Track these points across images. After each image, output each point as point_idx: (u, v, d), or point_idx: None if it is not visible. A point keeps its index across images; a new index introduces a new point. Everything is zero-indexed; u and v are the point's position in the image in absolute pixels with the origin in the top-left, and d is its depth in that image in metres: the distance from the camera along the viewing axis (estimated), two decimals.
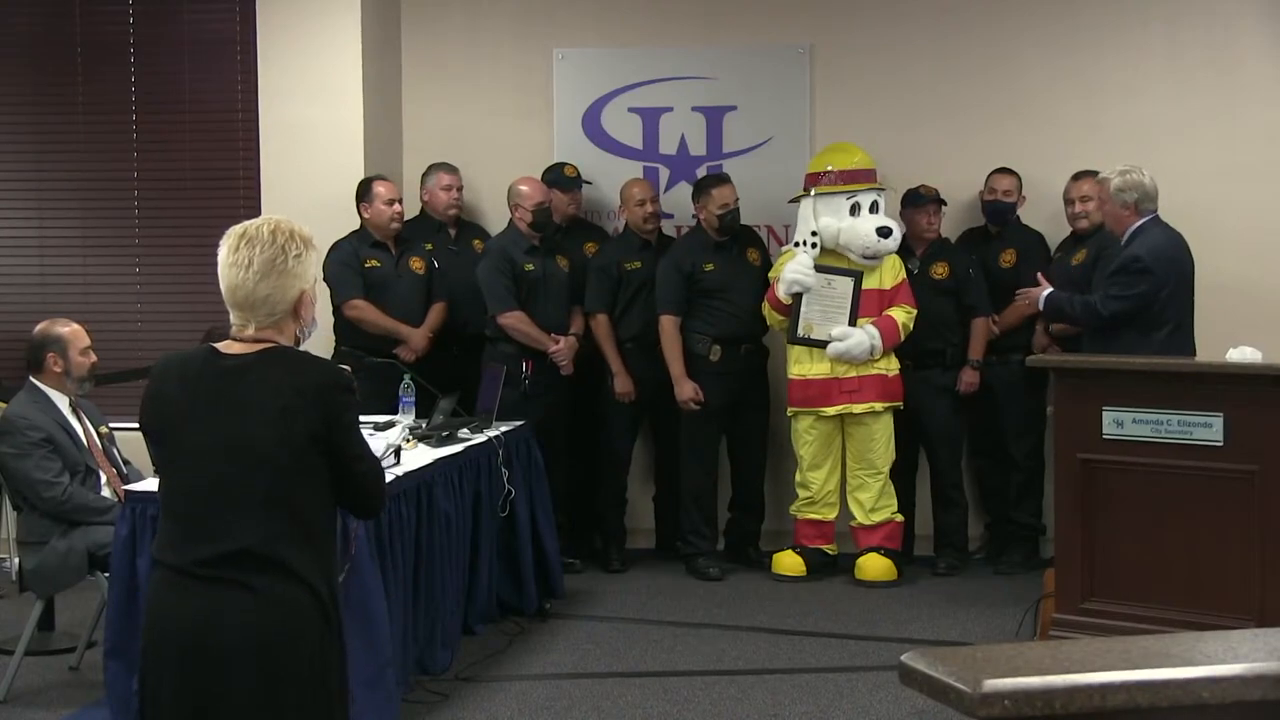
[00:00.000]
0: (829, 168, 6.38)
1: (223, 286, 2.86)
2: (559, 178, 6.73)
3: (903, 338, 6.33)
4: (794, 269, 6.33)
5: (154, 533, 4.07)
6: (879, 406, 6.33)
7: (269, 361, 2.83)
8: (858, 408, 6.32)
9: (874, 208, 6.33)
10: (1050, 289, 5.77)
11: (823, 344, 6.31)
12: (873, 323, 6.27)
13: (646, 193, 6.75)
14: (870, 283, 6.33)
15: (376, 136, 6.88)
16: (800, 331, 6.36)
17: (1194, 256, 5.44)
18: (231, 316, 2.89)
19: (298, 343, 2.93)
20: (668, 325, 6.51)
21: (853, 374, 6.30)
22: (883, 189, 6.38)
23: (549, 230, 6.58)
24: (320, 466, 2.84)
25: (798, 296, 6.33)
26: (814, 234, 6.35)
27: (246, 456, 2.78)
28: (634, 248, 6.71)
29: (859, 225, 6.29)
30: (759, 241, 6.79)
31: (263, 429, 2.78)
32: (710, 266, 6.52)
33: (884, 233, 6.28)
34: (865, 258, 6.31)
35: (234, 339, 2.88)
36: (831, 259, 6.34)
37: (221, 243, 2.87)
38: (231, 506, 2.78)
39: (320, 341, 5.89)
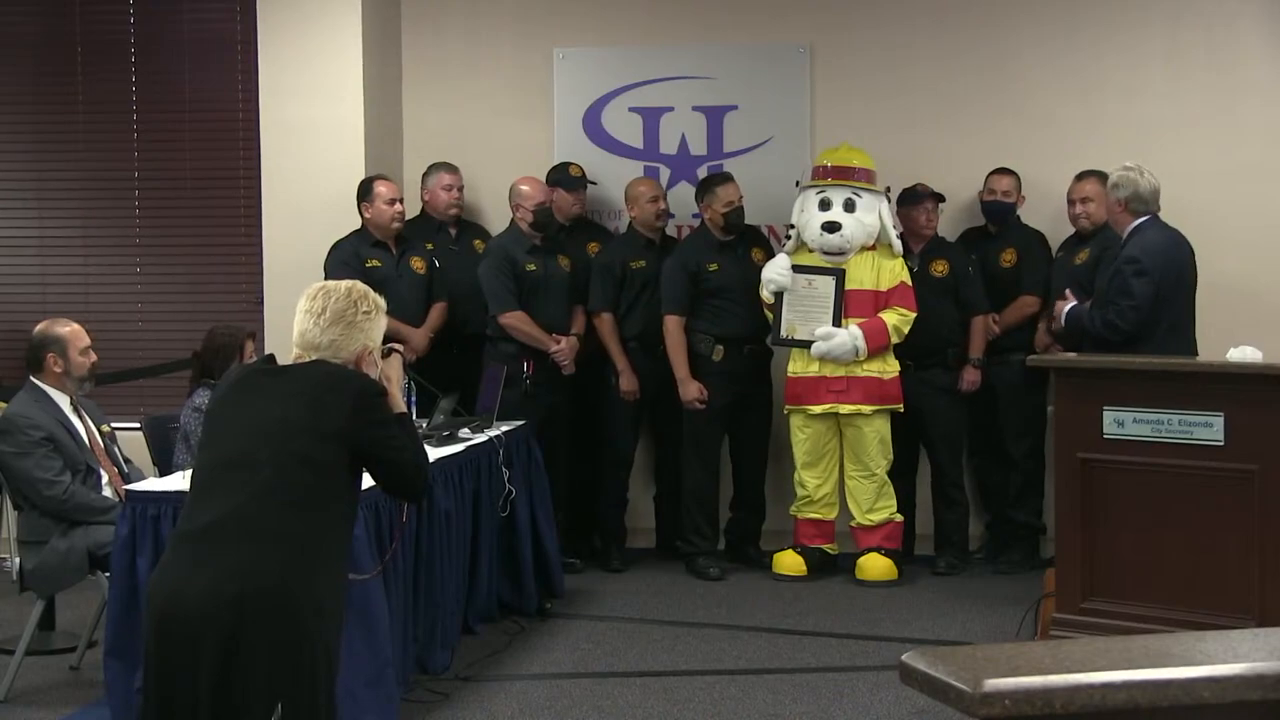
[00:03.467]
0: (818, 164, 6.41)
1: (294, 332, 3.17)
2: (564, 177, 6.73)
3: (894, 341, 6.28)
4: (770, 268, 6.34)
5: (154, 532, 4.12)
6: (867, 409, 6.29)
7: (311, 365, 3.13)
8: (844, 408, 6.29)
9: (849, 205, 6.28)
10: (1074, 303, 5.72)
11: (806, 345, 6.30)
12: (859, 324, 6.24)
13: (655, 190, 6.75)
14: (865, 283, 6.30)
15: (376, 136, 6.87)
16: (784, 332, 6.34)
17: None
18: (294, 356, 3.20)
19: None
20: (672, 326, 6.49)
21: (841, 374, 6.27)
22: (873, 188, 6.34)
23: (551, 230, 6.58)
24: (339, 463, 3.05)
25: (780, 297, 6.33)
26: (790, 227, 6.40)
27: (265, 435, 3.00)
28: (638, 246, 6.70)
29: (812, 221, 6.29)
30: (764, 241, 6.78)
31: (288, 413, 3.02)
32: (714, 266, 6.51)
33: (829, 227, 6.23)
34: (826, 254, 6.30)
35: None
36: (814, 258, 6.34)
37: (303, 295, 3.19)
38: (238, 476, 2.98)
39: None
